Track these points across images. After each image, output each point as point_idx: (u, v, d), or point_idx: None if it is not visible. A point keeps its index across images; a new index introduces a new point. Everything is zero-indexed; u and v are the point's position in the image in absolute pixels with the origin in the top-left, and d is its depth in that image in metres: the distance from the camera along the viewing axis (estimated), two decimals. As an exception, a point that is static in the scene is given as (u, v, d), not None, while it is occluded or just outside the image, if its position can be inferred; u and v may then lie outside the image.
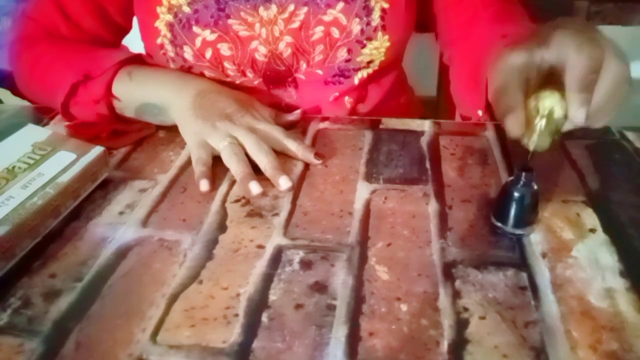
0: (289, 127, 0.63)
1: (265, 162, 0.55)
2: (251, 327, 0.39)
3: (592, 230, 0.48)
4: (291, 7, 0.63)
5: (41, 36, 0.68)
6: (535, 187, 0.45)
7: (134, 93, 0.62)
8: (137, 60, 0.65)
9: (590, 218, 0.49)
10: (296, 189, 0.54)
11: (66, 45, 0.67)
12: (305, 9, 0.63)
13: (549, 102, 0.41)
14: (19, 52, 0.69)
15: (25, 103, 0.73)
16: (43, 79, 0.66)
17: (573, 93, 0.40)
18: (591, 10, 1.14)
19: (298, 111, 0.66)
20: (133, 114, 0.63)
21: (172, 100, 0.61)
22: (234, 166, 0.54)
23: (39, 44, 0.67)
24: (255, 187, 0.53)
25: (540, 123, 0.41)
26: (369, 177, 0.56)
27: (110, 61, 0.62)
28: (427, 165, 0.57)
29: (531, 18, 0.65)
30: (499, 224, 0.47)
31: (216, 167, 0.56)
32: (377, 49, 0.66)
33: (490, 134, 0.63)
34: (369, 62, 0.68)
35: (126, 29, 0.72)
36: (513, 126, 0.42)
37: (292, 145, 0.57)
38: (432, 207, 0.51)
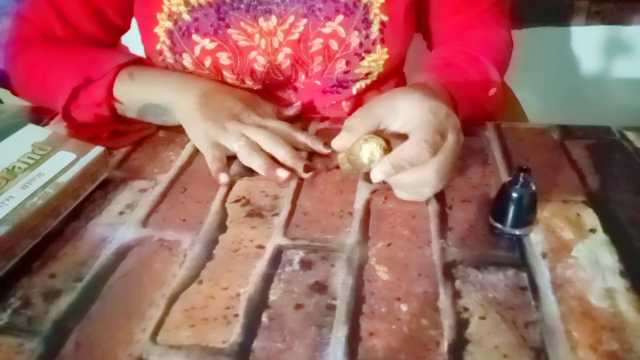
0: (290, 121, 0.63)
1: (283, 153, 0.55)
2: (251, 327, 0.39)
3: (592, 231, 0.48)
4: (291, 19, 0.63)
5: (36, 38, 0.67)
6: (534, 187, 0.45)
7: (135, 94, 0.62)
8: (137, 63, 0.65)
9: (590, 218, 0.49)
10: (296, 189, 0.54)
11: (62, 48, 0.67)
12: (304, 21, 0.63)
13: (365, 146, 0.48)
14: (15, 54, 0.68)
15: (26, 103, 0.73)
16: (41, 83, 0.65)
17: (392, 156, 0.47)
18: (591, 10, 1.14)
19: (297, 103, 0.67)
20: (135, 115, 0.63)
21: (176, 101, 0.61)
22: (256, 161, 0.55)
23: (34, 47, 0.67)
24: (282, 173, 0.54)
25: (346, 154, 0.50)
26: (369, 177, 0.55)
27: (110, 63, 0.62)
28: (427, 165, 0.57)
29: (513, 20, 0.73)
30: (497, 225, 0.47)
31: (216, 167, 0.56)
32: (375, 61, 0.67)
33: (490, 134, 0.63)
34: (367, 74, 0.68)
35: (124, 30, 0.71)
36: (336, 141, 0.51)
37: (301, 138, 0.58)
38: (432, 207, 0.51)
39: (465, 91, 0.62)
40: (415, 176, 0.48)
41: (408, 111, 0.48)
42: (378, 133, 0.50)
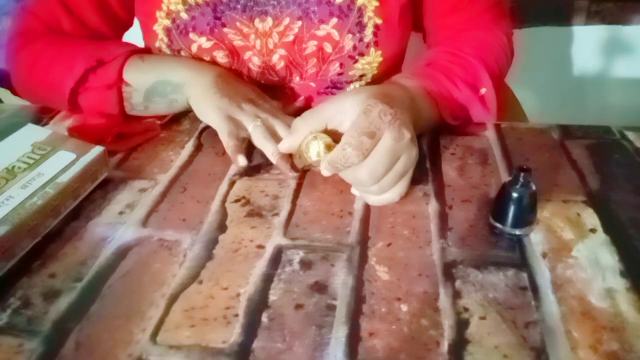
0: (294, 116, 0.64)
1: None
2: (251, 328, 0.39)
3: (593, 231, 0.48)
4: (286, 21, 0.64)
5: (42, 32, 0.67)
6: (534, 187, 0.45)
7: (147, 74, 0.62)
8: (145, 52, 0.66)
9: (590, 218, 0.49)
10: (296, 189, 0.54)
11: (70, 39, 0.67)
12: (299, 24, 0.64)
13: (311, 145, 0.50)
14: (18, 48, 0.67)
15: (25, 103, 0.73)
16: (45, 74, 0.64)
17: (328, 157, 0.47)
18: (591, 10, 1.14)
19: (301, 98, 0.68)
20: (142, 98, 0.62)
21: (192, 77, 0.61)
22: (270, 146, 0.54)
23: (40, 40, 0.66)
24: (294, 172, 0.54)
25: (297, 154, 0.52)
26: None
27: (122, 48, 0.63)
28: (428, 165, 0.57)
29: (514, 20, 0.72)
30: (498, 225, 0.47)
31: (217, 167, 0.56)
32: (369, 64, 0.67)
33: (490, 134, 0.63)
34: (362, 76, 0.68)
35: (128, 24, 0.72)
36: (282, 144, 0.53)
37: None
38: (433, 207, 0.51)
39: (447, 88, 0.61)
40: (353, 177, 0.48)
41: (355, 109, 0.48)
42: (331, 133, 0.50)
